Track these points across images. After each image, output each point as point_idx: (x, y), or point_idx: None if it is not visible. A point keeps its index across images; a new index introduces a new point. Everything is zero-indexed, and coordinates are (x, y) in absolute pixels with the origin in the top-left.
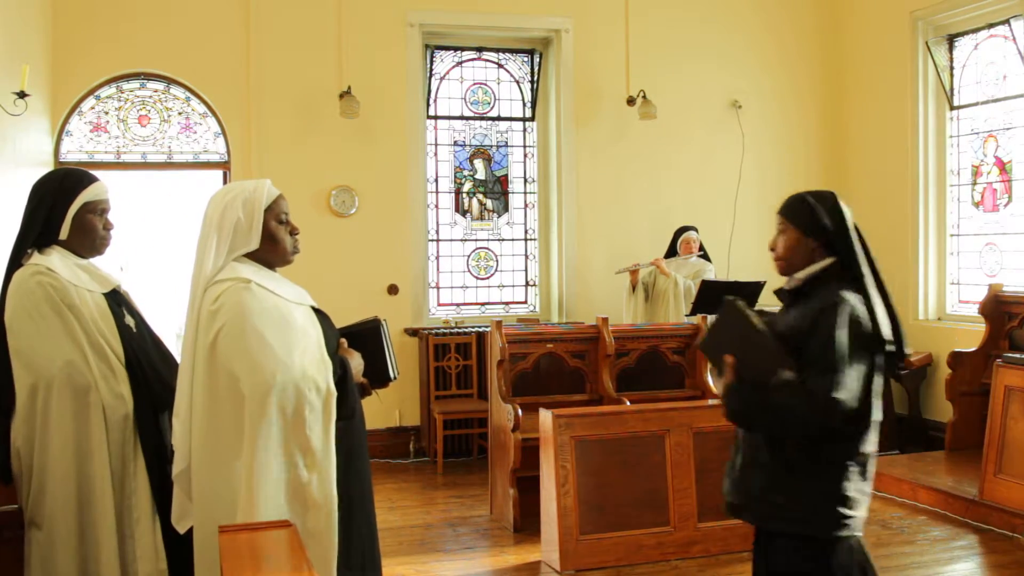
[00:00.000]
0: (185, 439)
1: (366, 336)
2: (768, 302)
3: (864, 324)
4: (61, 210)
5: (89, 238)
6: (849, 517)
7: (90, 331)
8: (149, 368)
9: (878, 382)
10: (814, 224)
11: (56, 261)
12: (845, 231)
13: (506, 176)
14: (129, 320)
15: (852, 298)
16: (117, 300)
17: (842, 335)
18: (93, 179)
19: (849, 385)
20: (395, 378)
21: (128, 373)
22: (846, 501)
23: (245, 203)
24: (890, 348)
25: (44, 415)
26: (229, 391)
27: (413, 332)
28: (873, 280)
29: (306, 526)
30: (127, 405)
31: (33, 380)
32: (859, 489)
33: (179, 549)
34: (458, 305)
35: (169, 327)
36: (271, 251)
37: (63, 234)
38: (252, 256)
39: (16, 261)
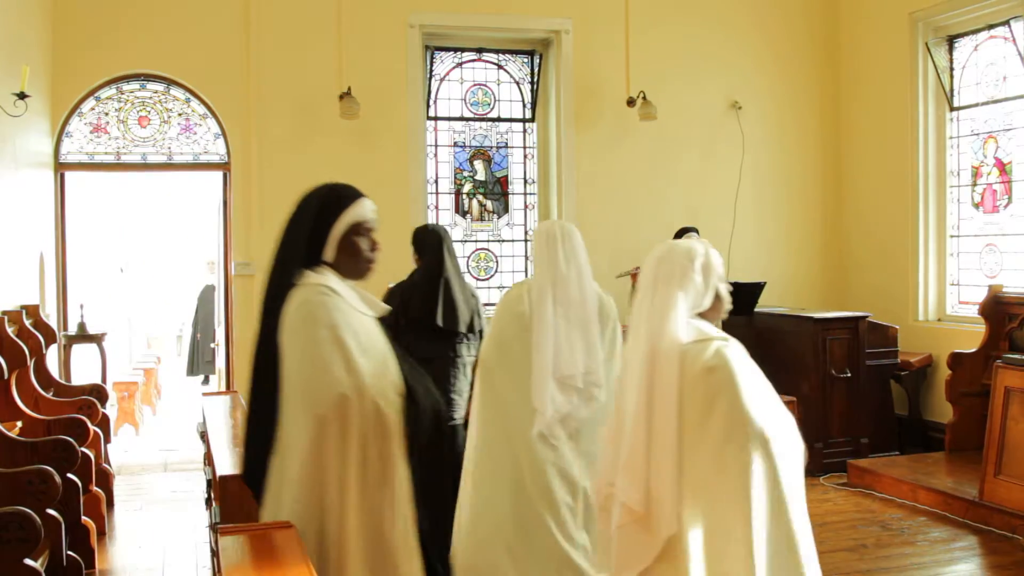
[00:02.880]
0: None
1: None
2: (768, 302)
3: None
4: (325, 230)
5: (354, 260)
6: None
7: (370, 355)
8: (423, 392)
9: None
10: None
11: (333, 281)
12: None
13: (506, 177)
14: (396, 346)
15: None
16: (383, 324)
17: None
18: (357, 196)
19: None
20: None
21: (404, 398)
22: None
23: None
24: None
25: (322, 442)
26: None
27: None
28: None
29: None
30: (402, 427)
31: (311, 407)
32: None
33: None
34: None
35: (169, 328)
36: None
37: (328, 256)
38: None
39: (283, 282)
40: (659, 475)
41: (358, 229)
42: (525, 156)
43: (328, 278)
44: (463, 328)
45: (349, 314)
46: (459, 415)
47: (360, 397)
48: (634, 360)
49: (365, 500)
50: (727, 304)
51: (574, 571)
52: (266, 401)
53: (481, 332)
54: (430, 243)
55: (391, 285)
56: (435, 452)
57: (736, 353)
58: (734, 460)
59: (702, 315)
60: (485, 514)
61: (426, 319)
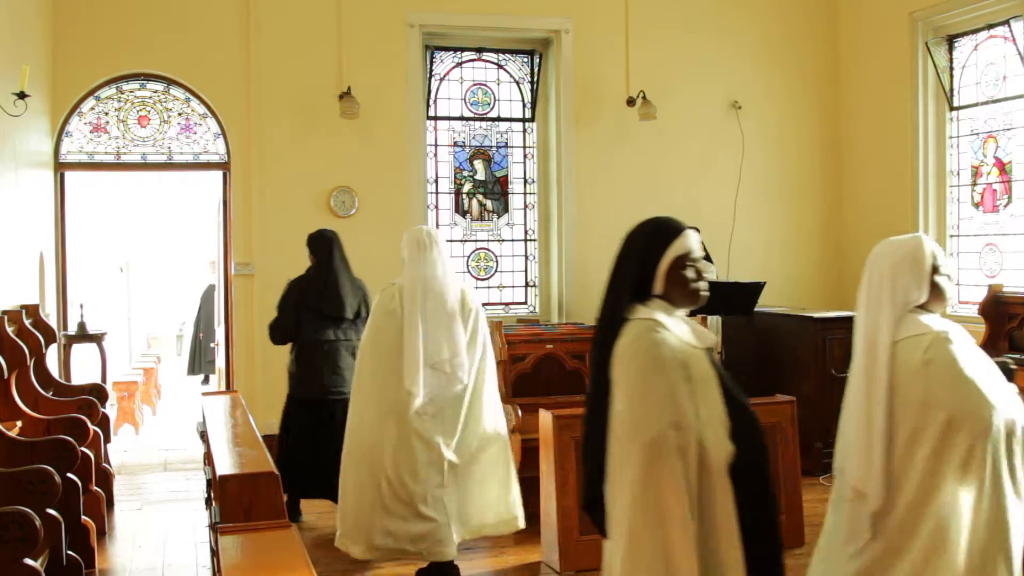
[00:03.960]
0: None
1: None
2: (768, 302)
3: None
4: (652, 265)
5: (682, 290)
6: None
7: (698, 389)
8: (749, 427)
9: None
10: None
11: (662, 314)
12: None
13: (506, 177)
14: (725, 377)
15: None
16: (711, 356)
17: None
18: (681, 230)
19: None
20: None
21: (733, 432)
22: None
23: None
24: None
25: (654, 478)
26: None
27: None
28: None
29: None
30: (730, 462)
31: (639, 439)
32: None
33: None
34: None
35: (169, 327)
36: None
37: (657, 289)
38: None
39: (615, 316)
40: (873, 459)
41: (683, 262)
42: (525, 156)
43: (657, 312)
44: (349, 315)
45: (678, 348)
46: (347, 389)
47: (685, 431)
48: (856, 354)
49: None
50: (949, 294)
51: (426, 522)
52: (598, 431)
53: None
54: (321, 245)
55: (290, 280)
56: (757, 488)
57: (956, 344)
58: (956, 452)
59: (923, 306)
60: (362, 474)
61: (316, 308)
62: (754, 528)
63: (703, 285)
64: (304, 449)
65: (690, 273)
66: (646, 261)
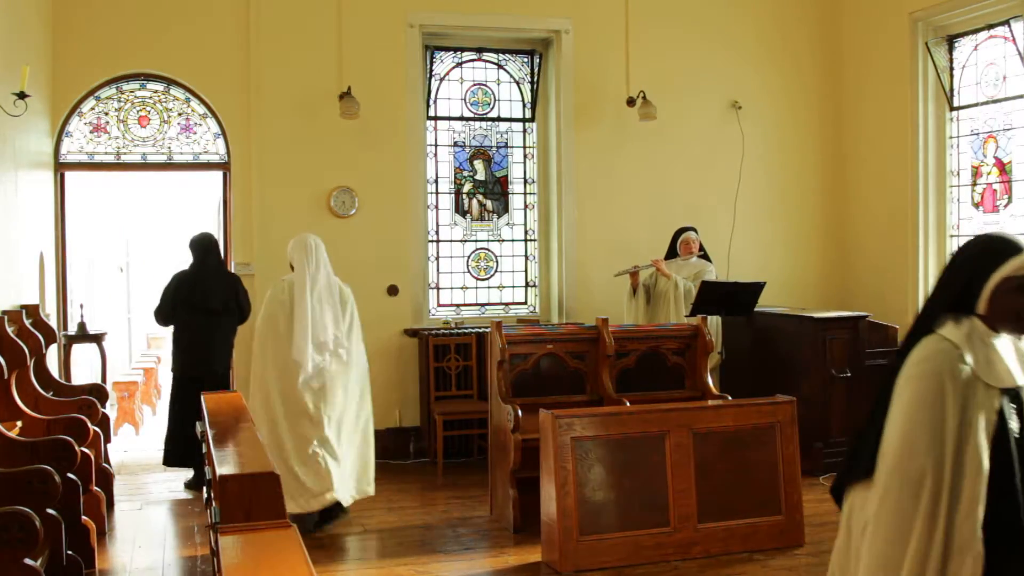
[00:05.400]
0: None
1: None
2: (768, 302)
3: None
4: (980, 281)
5: (1003, 315)
6: None
7: (968, 432)
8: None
9: None
10: None
11: (971, 335)
12: None
13: (506, 177)
14: (1014, 424)
15: None
16: (1016, 399)
17: None
18: (1018, 250)
19: None
20: None
21: (995, 489)
22: None
23: None
24: None
25: (899, 509)
26: None
27: (413, 333)
28: None
29: None
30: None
31: (894, 468)
32: None
33: None
34: (458, 306)
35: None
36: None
37: (980, 308)
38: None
39: (923, 325)
40: None
41: (1011, 284)
42: (525, 156)
43: (963, 333)
44: (218, 306)
45: (965, 382)
46: (216, 366)
47: (939, 469)
48: None
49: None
50: None
51: (304, 477)
52: (871, 433)
53: (239, 307)
54: (195, 248)
55: (175, 273)
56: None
57: None
58: None
59: None
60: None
61: (187, 299)
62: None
63: None
64: (176, 421)
65: (1017, 299)
66: (973, 276)
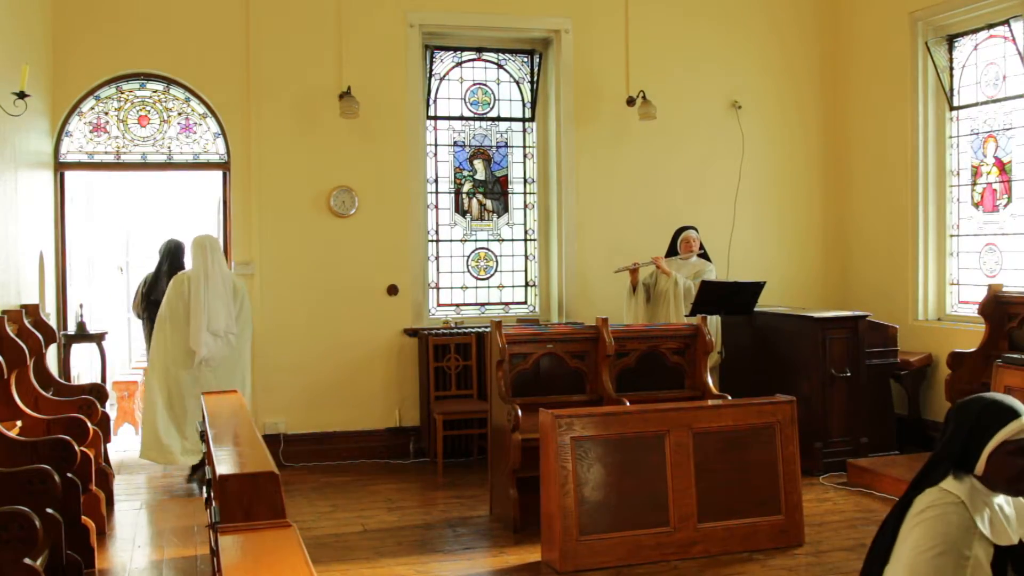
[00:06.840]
0: None
1: None
2: (768, 302)
3: None
4: (978, 443)
5: (1002, 477)
6: None
7: None
8: None
9: None
10: None
11: (971, 493)
12: None
13: (506, 176)
14: None
15: None
16: (1013, 554)
17: None
18: (1016, 415)
19: None
20: None
21: None
22: None
23: None
24: None
25: None
26: None
27: (413, 333)
28: None
29: None
30: None
31: None
32: None
33: None
34: (458, 306)
35: None
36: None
37: (978, 469)
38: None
39: (928, 477)
40: None
41: (1010, 448)
42: (525, 155)
43: (964, 489)
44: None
45: (964, 535)
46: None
47: None
48: None
49: None
50: None
51: (189, 440)
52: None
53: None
54: (162, 251)
55: (146, 275)
56: None
57: None
58: None
59: None
60: (160, 405)
61: (147, 294)
62: None
63: None
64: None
65: (1016, 461)
66: (971, 438)
